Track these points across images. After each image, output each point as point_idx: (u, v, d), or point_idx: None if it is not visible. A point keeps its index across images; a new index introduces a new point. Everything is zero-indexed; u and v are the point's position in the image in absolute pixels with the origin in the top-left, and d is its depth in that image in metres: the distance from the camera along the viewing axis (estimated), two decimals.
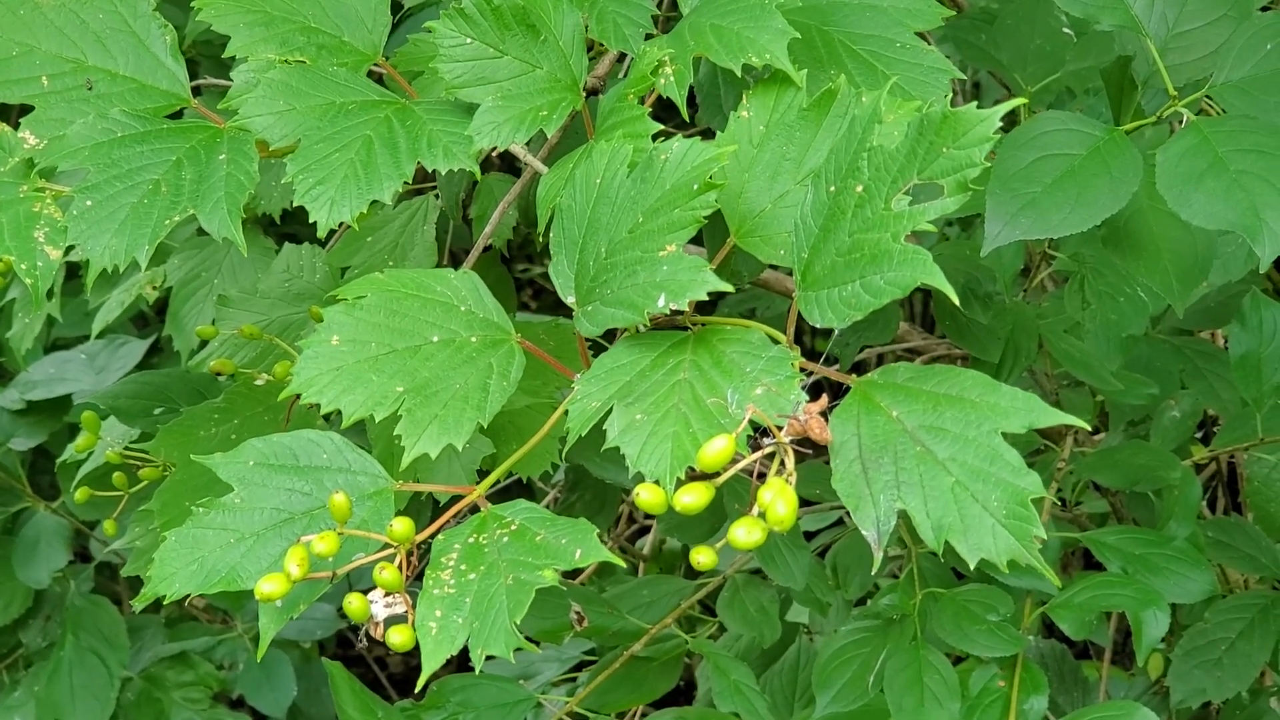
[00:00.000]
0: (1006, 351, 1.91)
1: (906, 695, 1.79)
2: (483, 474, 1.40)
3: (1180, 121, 1.52)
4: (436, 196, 1.82)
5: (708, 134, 1.29)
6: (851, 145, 1.11)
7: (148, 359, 2.48)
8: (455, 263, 1.84)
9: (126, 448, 1.74)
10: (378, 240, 1.83)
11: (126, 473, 1.73)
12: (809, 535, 2.59)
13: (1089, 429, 1.11)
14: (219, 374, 1.62)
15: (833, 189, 1.11)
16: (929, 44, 1.39)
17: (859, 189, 1.09)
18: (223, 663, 2.49)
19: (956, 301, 1.07)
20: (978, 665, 1.82)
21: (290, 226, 2.02)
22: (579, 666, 2.24)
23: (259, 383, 1.60)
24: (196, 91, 1.40)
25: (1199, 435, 2.22)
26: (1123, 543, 1.94)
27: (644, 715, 2.14)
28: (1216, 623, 2.08)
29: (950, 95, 1.35)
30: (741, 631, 2.11)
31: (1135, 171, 1.48)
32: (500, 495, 1.28)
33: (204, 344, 1.83)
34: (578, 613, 1.92)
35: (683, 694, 2.97)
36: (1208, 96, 1.54)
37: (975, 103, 1.06)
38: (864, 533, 1.07)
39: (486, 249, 1.55)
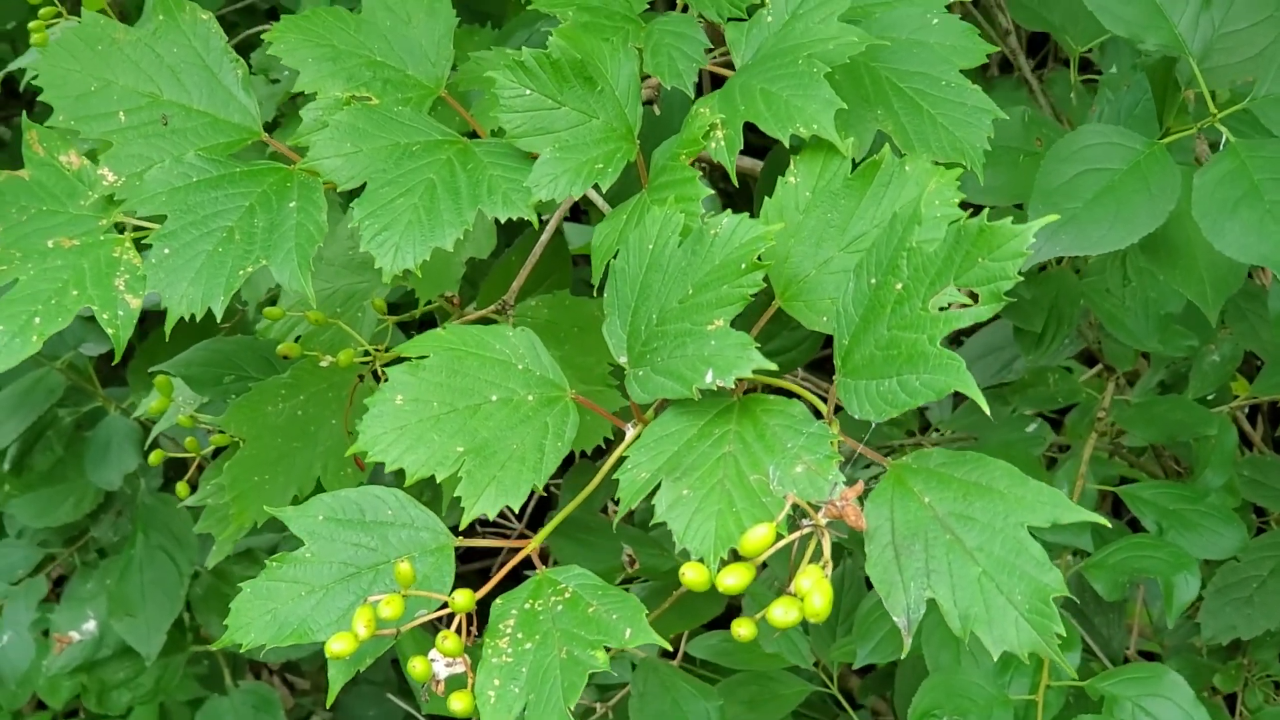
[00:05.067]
0: (1049, 320, 1.95)
1: (943, 651, 1.87)
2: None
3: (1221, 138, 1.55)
4: None
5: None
6: (892, 242, 1.15)
7: None
8: (510, 238, 1.90)
9: (194, 415, 1.82)
10: None
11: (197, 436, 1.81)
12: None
13: (1108, 524, 1.17)
14: (286, 357, 1.68)
15: (873, 281, 1.16)
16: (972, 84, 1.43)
17: (898, 286, 1.13)
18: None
19: (988, 412, 1.13)
20: None
21: None
22: None
23: (324, 364, 1.66)
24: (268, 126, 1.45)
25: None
26: (1158, 497, 2.00)
27: (691, 637, 2.22)
28: (1248, 560, 2.15)
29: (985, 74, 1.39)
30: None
31: (1173, 189, 1.52)
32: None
33: (272, 300, 1.90)
34: (629, 555, 2.00)
35: (731, 614, 3.06)
36: (1247, 109, 1.57)
37: (1010, 218, 1.10)
38: (895, 619, 1.13)
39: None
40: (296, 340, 1.76)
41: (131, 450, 2.50)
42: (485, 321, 1.73)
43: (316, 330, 1.74)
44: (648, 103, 1.56)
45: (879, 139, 1.41)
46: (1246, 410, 2.32)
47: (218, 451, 1.80)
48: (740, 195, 1.82)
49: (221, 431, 1.75)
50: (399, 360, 1.29)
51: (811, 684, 2.19)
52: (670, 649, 1.18)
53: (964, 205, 1.33)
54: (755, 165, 1.70)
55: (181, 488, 1.83)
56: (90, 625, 2.64)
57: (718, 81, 1.45)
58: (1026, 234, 1.10)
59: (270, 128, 2.05)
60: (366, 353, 1.68)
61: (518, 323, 1.69)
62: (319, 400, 1.72)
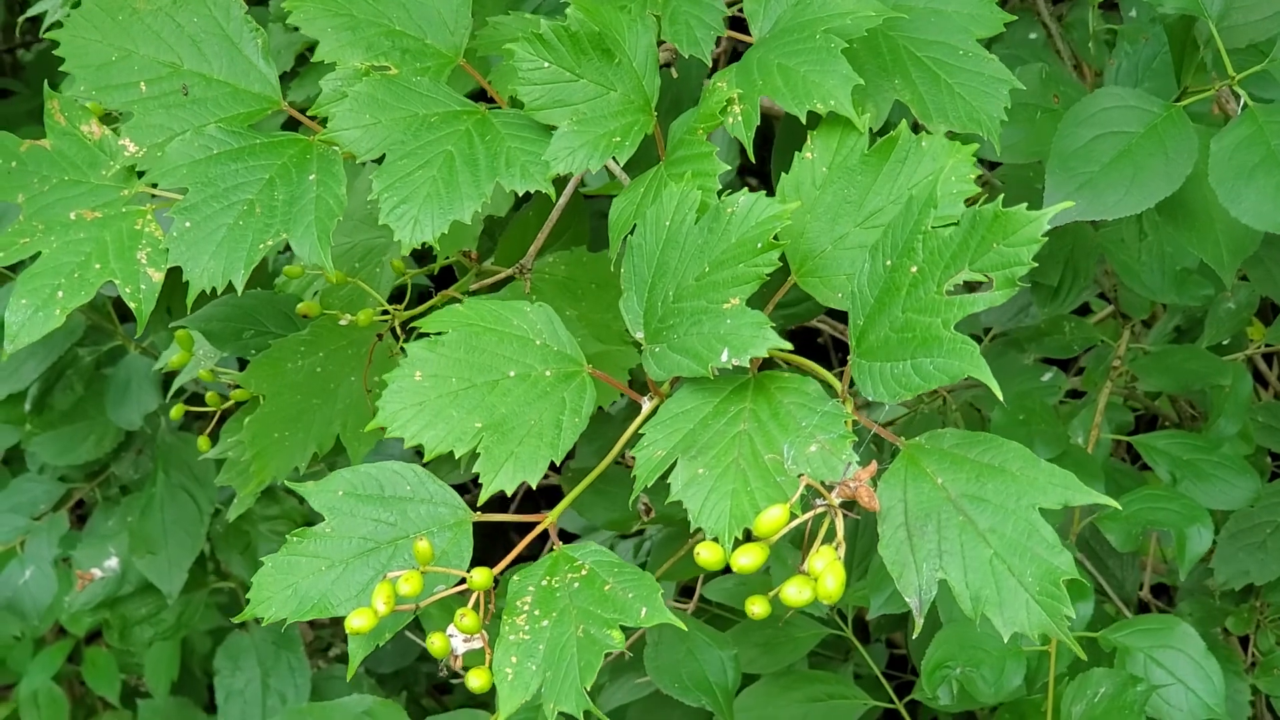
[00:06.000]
0: (1065, 273, 1.96)
1: (955, 605, 1.88)
2: None
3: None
4: None
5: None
6: (908, 225, 1.16)
7: None
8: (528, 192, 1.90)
9: (215, 369, 1.83)
10: None
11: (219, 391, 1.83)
12: None
13: (1116, 505, 1.18)
14: (305, 316, 1.69)
15: (889, 263, 1.16)
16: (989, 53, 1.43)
17: (913, 269, 1.14)
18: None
19: (1001, 398, 1.14)
20: None
21: None
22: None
23: (343, 323, 1.68)
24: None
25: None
26: (1171, 447, 2.01)
27: (707, 579, 2.24)
28: (1262, 506, 2.15)
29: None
30: None
31: (1190, 153, 1.53)
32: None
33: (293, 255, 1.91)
34: (645, 504, 2.02)
35: None
36: (1266, 70, 1.57)
37: (1025, 204, 1.11)
38: (907, 599, 1.15)
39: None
40: (315, 296, 1.77)
41: (151, 390, 2.51)
42: (503, 283, 1.74)
43: (335, 285, 1.74)
44: (665, 65, 1.56)
45: (897, 109, 1.41)
46: (1262, 352, 2.32)
47: (239, 405, 1.82)
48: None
49: (241, 388, 1.77)
50: (419, 324, 1.30)
51: (827, 627, 2.21)
52: (684, 627, 1.19)
53: (982, 163, 1.34)
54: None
55: (202, 441, 1.84)
56: (112, 562, 2.67)
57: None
58: (1042, 220, 1.10)
59: (289, 77, 2.05)
60: (385, 310, 1.69)
61: (535, 281, 1.71)
62: (338, 357, 1.73)
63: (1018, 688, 1.86)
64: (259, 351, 1.76)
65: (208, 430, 1.84)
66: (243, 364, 1.82)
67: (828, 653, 2.48)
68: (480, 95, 1.49)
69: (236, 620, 1.30)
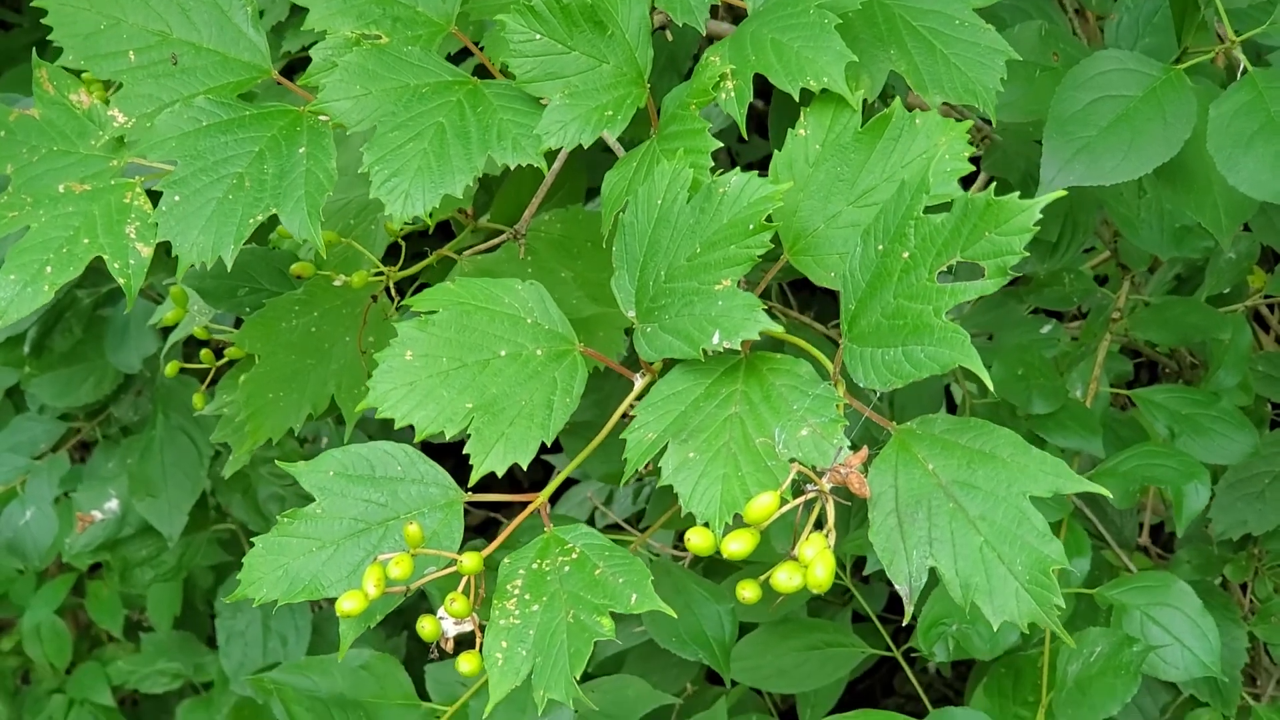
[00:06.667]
0: (1065, 228, 1.95)
1: None
2: None
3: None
4: None
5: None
6: (900, 210, 1.15)
7: None
8: None
9: (210, 326, 1.83)
10: None
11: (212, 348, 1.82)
12: None
13: (1109, 494, 1.18)
14: (299, 276, 1.69)
15: (880, 248, 1.16)
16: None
17: (905, 255, 1.13)
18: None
19: (990, 386, 1.14)
20: None
21: None
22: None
23: (337, 284, 1.67)
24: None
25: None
26: (1170, 401, 2.01)
27: None
28: (1261, 456, 2.14)
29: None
30: None
31: (1189, 117, 1.51)
32: None
33: None
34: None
35: None
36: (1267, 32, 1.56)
37: (1018, 192, 1.10)
38: (896, 587, 1.15)
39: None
40: (310, 253, 1.76)
41: (150, 333, 2.50)
42: (497, 236, 1.73)
43: (329, 245, 1.73)
44: (660, 28, 1.55)
45: (892, 79, 1.40)
46: (1264, 303, 2.31)
47: (233, 363, 1.81)
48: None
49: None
50: (410, 303, 1.30)
51: None
52: (673, 614, 1.19)
53: (981, 118, 1.32)
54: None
55: (198, 399, 1.84)
56: (112, 504, 2.66)
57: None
58: (1034, 210, 1.09)
59: (283, 26, 2.04)
60: (379, 270, 1.68)
61: (530, 240, 1.70)
62: (333, 317, 1.73)
63: (1013, 644, 1.87)
64: (253, 310, 1.76)
65: (203, 386, 1.84)
66: (239, 321, 1.81)
67: (827, 596, 2.48)
68: (472, 57, 1.48)
69: (229, 600, 1.30)
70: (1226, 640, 2.02)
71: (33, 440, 2.78)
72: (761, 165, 1.32)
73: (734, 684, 2.24)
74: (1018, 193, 1.10)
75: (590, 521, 2.55)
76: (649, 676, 2.08)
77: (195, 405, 1.82)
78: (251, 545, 1.25)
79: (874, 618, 2.23)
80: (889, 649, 2.18)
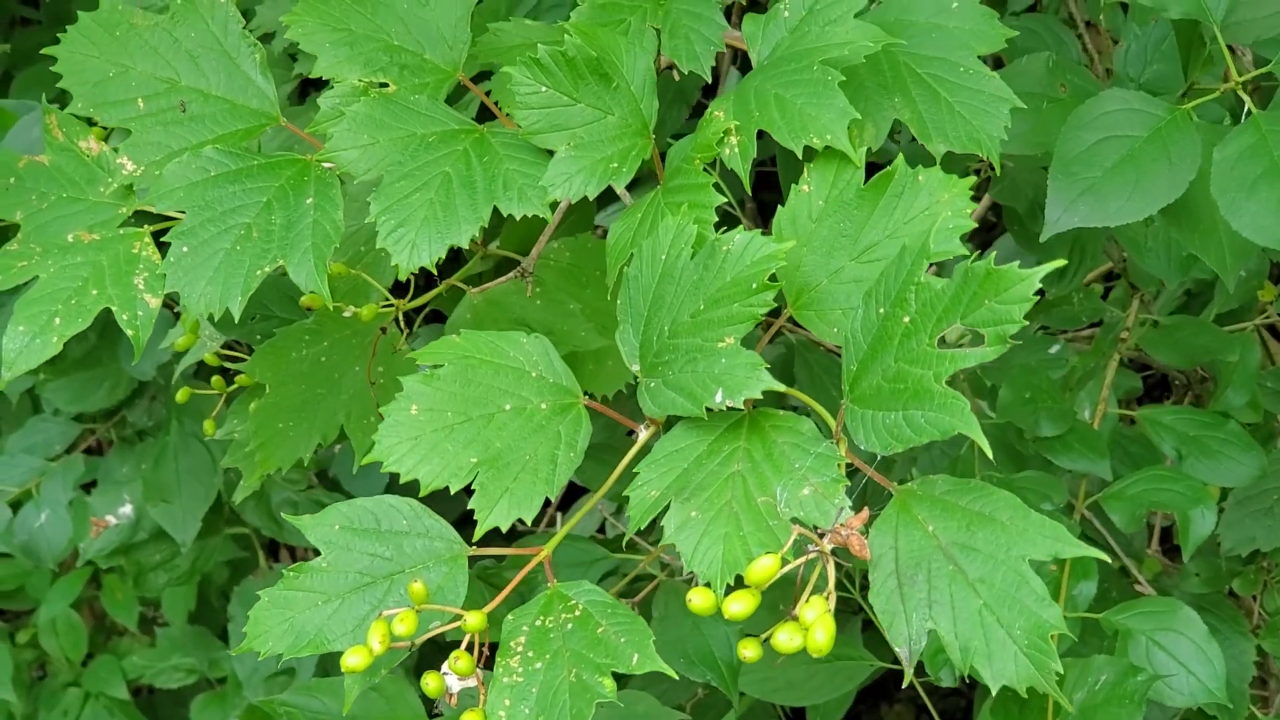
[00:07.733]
0: (1073, 253, 1.95)
1: None
2: None
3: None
4: None
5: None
6: (900, 274, 1.15)
7: None
8: None
9: (220, 352, 1.84)
10: None
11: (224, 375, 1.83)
12: None
13: (1110, 560, 1.18)
14: (309, 309, 1.69)
15: (881, 311, 1.16)
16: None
17: (906, 320, 1.14)
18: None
19: (990, 455, 1.15)
20: None
21: None
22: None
23: (347, 315, 1.67)
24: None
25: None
26: (1178, 423, 2.01)
27: None
28: (1269, 473, 2.15)
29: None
30: None
31: (1194, 158, 1.51)
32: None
33: None
34: None
35: None
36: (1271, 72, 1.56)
37: (1018, 262, 1.10)
38: (895, 649, 1.16)
39: None
40: None
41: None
42: (508, 266, 1.73)
43: (338, 276, 1.74)
44: (668, 68, 1.55)
45: (897, 126, 1.41)
46: (1273, 322, 2.31)
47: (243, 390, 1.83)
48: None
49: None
50: (415, 356, 1.30)
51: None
52: (675, 675, 1.20)
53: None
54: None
55: (208, 425, 1.85)
56: (126, 509, 2.68)
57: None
58: (1033, 279, 1.09)
59: (295, 49, 2.04)
60: (389, 301, 1.69)
61: (539, 270, 1.70)
62: (343, 347, 1.73)
63: None
64: (264, 337, 1.77)
65: (213, 414, 1.85)
66: (251, 346, 1.82)
67: (837, 606, 2.49)
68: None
69: (234, 653, 1.31)
70: (1234, 654, 2.03)
71: (48, 442, 2.80)
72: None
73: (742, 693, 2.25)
74: (1017, 262, 1.10)
75: (601, 530, 2.56)
76: (657, 684, 2.09)
77: (206, 431, 1.83)
78: (261, 597, 1.26)
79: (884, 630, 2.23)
80: (898, 661, 2.19)
